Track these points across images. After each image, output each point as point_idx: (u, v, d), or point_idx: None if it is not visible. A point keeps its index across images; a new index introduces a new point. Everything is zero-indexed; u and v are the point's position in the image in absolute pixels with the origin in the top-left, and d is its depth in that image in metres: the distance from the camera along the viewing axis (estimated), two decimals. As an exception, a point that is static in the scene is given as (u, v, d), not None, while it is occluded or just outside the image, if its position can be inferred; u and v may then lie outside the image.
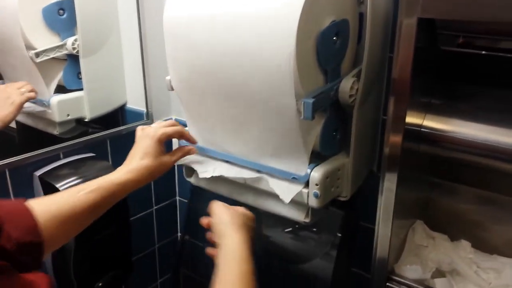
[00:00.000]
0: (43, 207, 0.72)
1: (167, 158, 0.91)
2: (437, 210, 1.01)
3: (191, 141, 0.98)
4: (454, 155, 0.86)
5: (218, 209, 0.85)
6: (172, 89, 0.96)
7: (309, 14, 0.74)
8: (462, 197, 0.99)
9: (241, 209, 0.86)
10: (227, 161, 0.98)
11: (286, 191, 0.88)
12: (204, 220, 0.86)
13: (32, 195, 1.13)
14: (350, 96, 0.84)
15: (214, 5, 0.83)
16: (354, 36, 0.88)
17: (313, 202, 0.87)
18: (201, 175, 0.98)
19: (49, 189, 1.08)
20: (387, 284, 0.88)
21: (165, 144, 0.92)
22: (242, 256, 0.74)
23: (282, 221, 1.08)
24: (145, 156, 0.87)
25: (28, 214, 0.70)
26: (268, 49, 0.77)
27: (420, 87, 0.82)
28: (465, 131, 0.83)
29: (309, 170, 0.86)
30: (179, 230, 1.57)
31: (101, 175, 1.12)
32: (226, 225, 0.80)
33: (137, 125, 1.31)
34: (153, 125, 0.94)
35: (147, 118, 1.36)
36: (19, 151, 1.11)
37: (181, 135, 0.96)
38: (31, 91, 1.17)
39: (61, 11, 1.21)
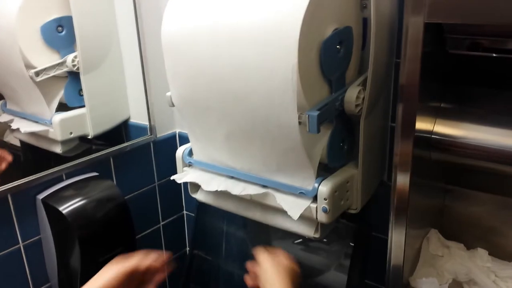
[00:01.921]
0: None
1: None
2: (452, 217, 0.98)
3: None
4: (467, 161, 0.84)
5: (265, 260, 0.83)
6: (173, 105, 0.94)
7: (310, 24, 0.72)
8: (477, 203, 0.96)
9: (285, 260, 0.85)
10: (232, 177, 0.95)
11: (294, 206, 0.85)
12: (249, 266, 0.86)
13: (35, 219, 1.11)
14: (356, 106, 0.82)
15: (214, 18, 0.81)
16: (358, 43, 0.86)
17: (322, 217, 0.84)
18: (205, 188, 0.96)
19: (53, 213, 1.06)
20: (403, 297, 0.85)
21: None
22: None
23: (291, 233, 1.05)
24: None
25: None
26: (270, 62, 0.74)
27: (429, 92, 0.79)
28: (477, 136, 0.81)
29: (316, 184, 0.83)
30: (187, 245, 1.55)
31: (105, 195, 1.13)
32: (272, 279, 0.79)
33: (141, 141, 1.32)
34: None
35: (150, 132, 1.34)
36: (24, 171, 1.09)
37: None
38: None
39: (59, 28, 1.20)
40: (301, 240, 1.14)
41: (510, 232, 0.93)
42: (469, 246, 0.95)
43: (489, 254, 0.92)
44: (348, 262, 1.04)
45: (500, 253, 0.92)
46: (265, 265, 0.82)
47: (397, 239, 0.82)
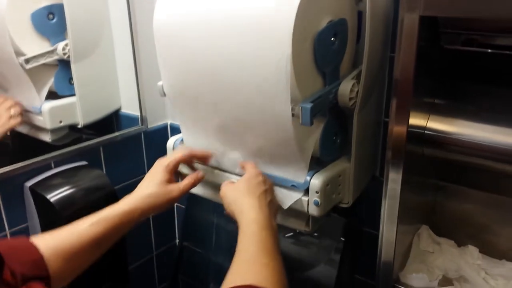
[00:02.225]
0: (47, 242, 0.71)
1: (173, 187, 0.86)
2: (443, 214, 0.98)
3: (204, 161, 0.93)
4: (460, 158, 0.83)
5: (225, 189, 0.82)
6: (165, 95, 0.93)
7: (305, 14, 0.71)
8: (469, 200, 0.96)
9: (250, 174, 0.82)
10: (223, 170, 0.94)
11: (285, 197, 0.84)
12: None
13: (23, 206, 1.09)
14: (350, 99, 0.81)
15: (206, 7, 0.79)
16: (352, 36, 0.85)
17: (314, 211, 0.83)
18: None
19: (40, 201, 1.05)
20: (392, 293, 0.85)
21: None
22: (255, 231, 0.71)
23: (282, 226, 1.05)
24: (150, 184, 0.84)
25: (32, 249, 0.68)
26: (264, 52, 0.73)
27: (423, 87, 0.79)
28: (471, 133, 0.80)
29: (308, 178, 0.83)
30: (177, 237, 1.54)
31: (93, 184, 1.11)
32: (232, 205, 0.78)
33: (132, 131, 1.31)
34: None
35: (142, 123, 1.32)
36: (13, 159, 1.08)
37: (192, 157, 0.92)
38: (20, 114, 1.18)
39: (50, 16, 1.18)
40: (292, 234, 1.14)
41: (501, 230, 0.93)
42: (460, 244, 0.95)
43: (480, 252, 0.93)
44: (338, 256, 1.03)
45: (491, 251, 0.93)
46: (225, 194, 0.81)
47: (388, 235, 0.82)
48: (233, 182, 0.84)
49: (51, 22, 1.18)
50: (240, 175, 0.88)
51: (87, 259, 0.77)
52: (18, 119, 1.18)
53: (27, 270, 0.64)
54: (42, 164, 1.11)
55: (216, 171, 0.94)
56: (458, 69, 0.86)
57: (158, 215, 1.45)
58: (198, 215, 1.32)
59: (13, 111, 1.17)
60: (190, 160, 0.93)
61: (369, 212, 1.00)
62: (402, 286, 0.85)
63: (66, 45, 1.19)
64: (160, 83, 0.92)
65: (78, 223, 0.77)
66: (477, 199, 0.94)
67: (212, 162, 0.93)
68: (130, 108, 1.34)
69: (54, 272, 0.68)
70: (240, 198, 0.78)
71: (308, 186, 0.83)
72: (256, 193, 0.78)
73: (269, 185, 0.82)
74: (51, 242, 0.72)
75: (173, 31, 0.84)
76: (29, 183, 1.07)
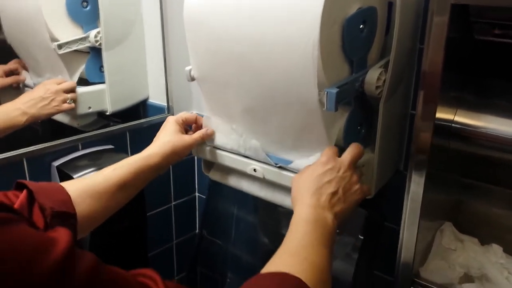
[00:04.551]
0: (73, 185, 0.77)
1: (187, 137, 0.93)
2: (468, 212, 0.96)
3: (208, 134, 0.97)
4: (487, 153, 0.82)
5: (294, 178, 0.79)
6: (192, 79, 0.94)
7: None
8: (495, 200, 0.94)
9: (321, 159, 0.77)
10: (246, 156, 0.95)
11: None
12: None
13: (49, 185, 1.11)
14: (377, 87, 0.80)
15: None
16: (382, 26, 0.84)
17: (335, 199, 0.83)
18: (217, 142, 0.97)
19: (66, 179, 1.06)
20: (411, 288, 0.84)
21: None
22: (308, 221, 0.68)
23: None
24: (166, 133, 0.92)
25: (60, 189, 0.74)
26: (291, 36, 0.73)
27: (452, 81, 0.78)
28: (499, 127, 0.79)
29: (331, 165, 0.82)
30: (197, 227, 1.55)
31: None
32: (297, 195, 0.75)
33: (157, 118, 1.32)
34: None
35: (168, 111, 1.35)
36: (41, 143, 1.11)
37: (197, 119, 0.99)
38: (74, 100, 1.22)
39: (84, 3, 1.21)
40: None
41: (527, 231, 0.91)
42: (484, 243, 0.93)
43: (504, 251, 0.90)
44: (357, 251, 1.02)
45: (515, 253, 0.90)
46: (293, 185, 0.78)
47: (409, 232, 0.81)
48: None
49: (85, 9, 1.21)
50: (264, 162, 0.89)
51: (113, 200, 0.82)
52: (72, 105, 1.21)
53: (56, 206, 0.68)
54: (69, 145, 1.14)
55: (238, 157, 0.95)
56: (489, 62, 0.84)
57: (180, 204, 1.46)
58: (219, 206, 1.32)
59: (70, 96, 1.20)
60: (195, 122, 0.99)
61: (391, 207, 0.99)
62: (422, 281, 0.84)
63: (98, 32, 1.21)
64: (188, 68, 0.94)
65: (103, 169, 0.84)
66: (503, 198, 0.92)
67: (234, 148, 0.94)
68: (157, 98, 1.36)
69: (81, 211, 0.74)
70: (305, 187, 0.74)
71: (330, 174, 0.82)
72: (323, 188, 0.73)
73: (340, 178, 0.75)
74: (77, 184, 0.78)
75: (202, 15, 0.85)
76: (56, 163, 1.10)
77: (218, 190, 1.27)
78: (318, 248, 0.66)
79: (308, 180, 0.75)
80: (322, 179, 0.74)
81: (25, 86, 1.28)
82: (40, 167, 1.09)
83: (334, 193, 0.73)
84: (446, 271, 0.83)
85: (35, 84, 1.27)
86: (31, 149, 1.06)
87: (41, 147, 1.08)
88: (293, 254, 0.64)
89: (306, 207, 0.71)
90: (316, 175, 0.74)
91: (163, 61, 1.31)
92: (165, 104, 1.35)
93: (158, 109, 1.36)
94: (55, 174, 1.09)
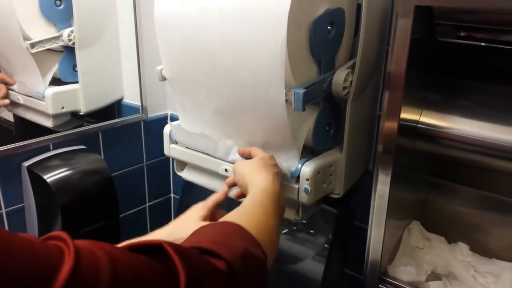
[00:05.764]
0: None
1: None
2: (435, 211, 0.98)
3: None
4: (452, 153, 0.83)
5: (239, 163, 0.82)
6: (164, 79, 0.94)
7: (301, 0, 0.72)
8: (461, 198, 0.95)
9: (256, 153, 0.84)
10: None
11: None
12: (229, 181, 0.84)
13: (19, 186, 1.10)
14: (344, 88, 0.81)
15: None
16: (350, 28, 0.85)
17: (304, 198, 0.84)
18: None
19: (37, 181, 1.06)
20: (380, 286, 0.85)
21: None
22: (260, 197, 0.70)
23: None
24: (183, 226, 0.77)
25: None
26: (260, 37, 0.74)
27: (416, 81, 0.79)
28: (464, 128, 0.80)
29: (299, 165, 0.83)
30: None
31: (91, 168, 1.12)
32: (246, 176, 0.77)
33: (131, 119, 1.32)
34: None
35: (142, 112, 1.34)
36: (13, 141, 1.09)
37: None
38: (4, 97, 1.19)
39: (58, 2, 1.20)
40: (286, 230, 1.14)
41: (491, 229, 0.92)
42: (451, 241, 0.95)
43: (470, 250, 0.92)
44: (327, 250, 1.03)
45: (481, 250, 0.92)
46: (237, 170, 0.81)
47: (376, 229, 0.82)
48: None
49: (58, 8, 1.20)
50: (233, 163, 0.89)
51: None
52: (6, 101, 1.20)
53: None
54: (40, 145, 1.12)
55: (210, 158, 0.95)
56: (452, 63, 0.86)
57: (155, 205, 1.46)
58: (193, 204, 1.32)
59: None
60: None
61: (360, 206, 1.00)
62: (390, 279, 0.85)
63: (72, 31, 1.20)
64: (159, 67, 0.94)
65: None
66: (469, 197, 0.94)
67: (206, 149, 0.94)
68: (131, 98, 1.36)
69: None
70: (255, 171, 0.77)
71: (299, 174, 0.83)
72: (271, 171, 0.78)
73: (280, 170, 0.83)
74: None
75: (172, 17, 0.85)
76: (26, 163, 1.08)
77: (191, 191, 1.27)
78: (273, 216, 0.68)
79: (261, 167, 0.78)
80: (274, 168, 0.80)
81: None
82: (10, 167, 1.08)
83: (281, 183, 0.79)
84: (414, 269, 0.84)
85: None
86: (1, 149, 1.05)
87: (10, 147, 1.06)
88: (247, 215, 0.66)
89: (265, 184, 0.74)
90: (269, 164, 0.80)
91: (137, 61, 1.30)
92: (139, 104, 1.34)
93: (133, 109, 1.35)
94: (25, 175, 1.08)
